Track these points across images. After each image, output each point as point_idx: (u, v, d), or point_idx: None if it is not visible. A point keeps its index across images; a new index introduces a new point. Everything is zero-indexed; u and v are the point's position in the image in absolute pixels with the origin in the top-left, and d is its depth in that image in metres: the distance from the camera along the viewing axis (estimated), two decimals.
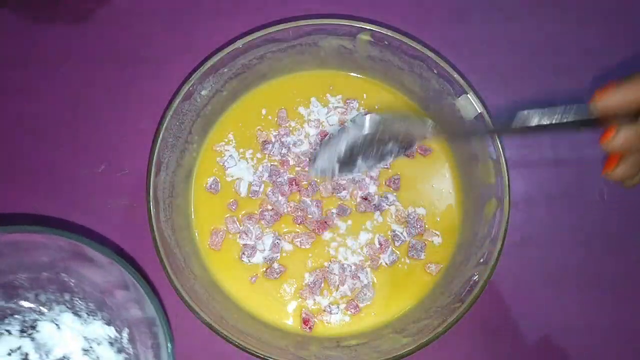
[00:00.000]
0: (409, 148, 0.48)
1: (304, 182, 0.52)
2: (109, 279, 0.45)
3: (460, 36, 0.57)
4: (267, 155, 0.53)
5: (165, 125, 0.48)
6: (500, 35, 0.58)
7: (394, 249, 0.51)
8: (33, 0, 0.57)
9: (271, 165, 0.53)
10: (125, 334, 0.47)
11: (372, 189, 0.52)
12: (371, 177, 0.52)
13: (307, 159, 0.52)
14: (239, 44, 0.49)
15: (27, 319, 0.48)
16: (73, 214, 0.53)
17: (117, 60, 0.56)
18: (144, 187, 0.47)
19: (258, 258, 0.51)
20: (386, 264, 0.51)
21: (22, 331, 0.48)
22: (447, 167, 0.53)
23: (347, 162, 0.47)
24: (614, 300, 0.52)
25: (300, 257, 0.51)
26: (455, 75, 0.48)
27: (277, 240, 0.51)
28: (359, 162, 0.47)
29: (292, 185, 0.52)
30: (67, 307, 0.48)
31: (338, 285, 0.50)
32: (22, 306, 0.47)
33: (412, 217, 0.51)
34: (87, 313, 0.48)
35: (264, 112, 0.54)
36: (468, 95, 0.48)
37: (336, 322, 0.50)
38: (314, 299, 0.50)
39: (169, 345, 0.42)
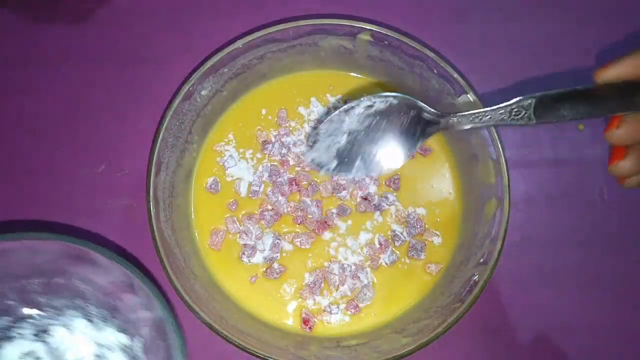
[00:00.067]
0: (421, 139, 0.44)
1: (304, 182, 0.52)
2: (118, 284, 0.45)
3: (460, 36, 0.57)
4: (267, 155, 0.53)
5: (165, 125, 0.48)
6: (500, 35, 0.58)
7: (394, 249, 0.51)
8: (33, 0, 0.57)
9: (271, 165, 0.53)
10: (137, 342, 0.47)
11: (372, 189, 0.52)
12: (371, 177, 0.52)
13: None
14: (239, 44, 0.49)
15: (40, 323, 0.48)
16: (73, 214, 0.53)
17: (117, 60, 0.56)
18: (144, 187, 0.47)
19: (258, 258, 0.51)
20: (386, 264, 0.51)
21: (35, 335, 0.48)
22: (447, 167, 0.53)
23: (346, 159, 0.44)
24: (614, 300, 0.52)
25: (300, 257, 0.51)
26: (455, 75, 0.48)
27: (277, 240, 0.51)
28: (358, 162, 0.45)
29: (292, 185, 0.52)
30: (80, 312, 0.48)
31: (338, 285, 0.50)
32: (35, 310, 0.47)
33: (412, 217, 0.51)
34: (99, 319, 0.48)
35: (264, 112, 0.54)
36: (468, 95, 0.48)
37: (336, 322, 0.50)
38: (314, 299, 0.50)
39: (181, 353, 0.42)
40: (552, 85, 0.56)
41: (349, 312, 0.50)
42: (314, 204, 0.51)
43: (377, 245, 0.51)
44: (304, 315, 0.50)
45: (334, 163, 0.45)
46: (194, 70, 0.49)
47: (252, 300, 0.50)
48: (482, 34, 0.58)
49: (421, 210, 0.52)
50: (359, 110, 0.44)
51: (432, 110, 0.45)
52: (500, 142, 0.47)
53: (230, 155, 0.53)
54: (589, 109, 0.40)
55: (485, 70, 0.56)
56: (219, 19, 0.57)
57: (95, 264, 0.44)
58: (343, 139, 0.44)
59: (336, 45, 0.52)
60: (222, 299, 0.49)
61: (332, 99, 0.54)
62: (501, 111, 0.42)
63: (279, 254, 0.51)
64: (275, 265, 0.50)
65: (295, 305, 0.50)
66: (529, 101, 0.41)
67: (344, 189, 0.52)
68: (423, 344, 0.44)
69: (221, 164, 0.53)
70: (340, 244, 0.51)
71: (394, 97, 0.44)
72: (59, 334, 0.47)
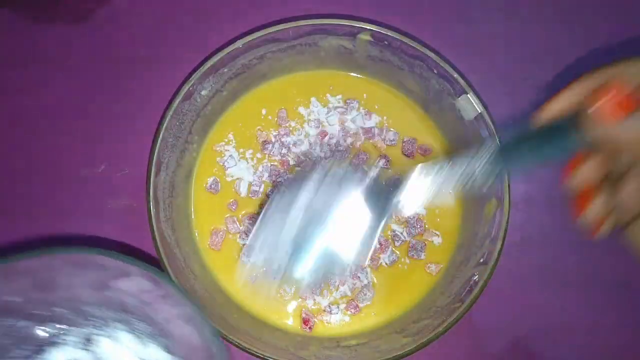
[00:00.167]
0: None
1: None
2: (173, 311, 0.45)
3: (460, 36, 0.57)
4: (267, 155, 0.53)
5: (165, 125, 0.48)
6: (500, 35, 0.58)
7: (394, 249, 0.51)
8: (33, 0, 0.57)
9: (271, 165, 0.53)
10: None
11: None
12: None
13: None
14: (239, 44, 0.49)
15: (87, 331, 0.48)
16: (73, 214, 0.53)
17: (117, 60, 0.56)
18: (144, 187, 0.47)
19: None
20: (386, 264, 0.51)
21: (81, 343, 0.48)
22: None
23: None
24: (614, 300, 0.52)
25: None
26: (455, 75, 0.48)
27: None
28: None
29: None
30: (125, 325, 0.47)
31: (338, 285, 0.50)
32: (83, 319, 0.47)
33: (412, 217, 0.51)
34: (144, 334, 0.47)
35: (264, 112, 0.54)
36: (468, 95, 0.48)
37: (336, 322, 0.50)
38: (314, 299, 0.50)
39: None
40: (552, 85, 0.57)
41: (349, 312, 0.50)
42: None
43: (377, 245, 0.51)
44: (304, 315, 0.50)
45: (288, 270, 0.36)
46: (194, 70, 0.49)
47: (252, 300, 0.50)
48: (482, 34, 0.58)
49: (421, 210, 0.52)
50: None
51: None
52: (501, 142, 0.47)
53: (230, 155, 0.53)
54: (551, 151, 0.38)
55: (485, 70, 0.56)
56: (219, 19, 0.57)
57: (153, 286, 0.44)
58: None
59: (336, 45, 0.52)
60: (222, 299, 0.49)
61: (332, 99, 0.54)
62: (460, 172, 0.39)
63: None
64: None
65: (295, 305, 0.50)
66: (491, 152, 0.39)
67: None
68: (423, 344, 0.44)
69: (221, 164, 0.53)
70: None
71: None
72: (104, 345, 0.47)
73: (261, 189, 0.52)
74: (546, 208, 0.54)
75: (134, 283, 0.44)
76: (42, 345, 0.47)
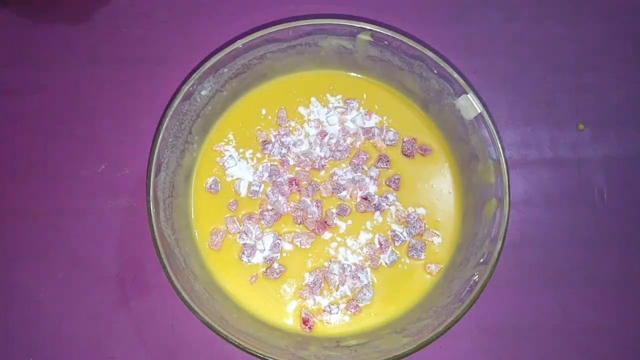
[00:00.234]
0: None
1: (304, 182, 0.52)
2: None
3: (460, 36, 0.57)
4: (267, 155, 0.53)
5: (165, 125, 0.48)
6: (500, 35, 0.58)
7: (394, 249, 0.51)
8: (33, 0, 0.57)
9: (271, 165, 0.53)
10: None
11: (372, 189, 0.52)
12: (371, 177, 0.52)
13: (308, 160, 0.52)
14: (239, 44, 0.49)
15: None
16: (73, 214, 0.53)
17: (116, 60, 0.56)
18: (144, 187, 0.47)
19: (258, 258, 0.51)
20: (386, 264, 0.51)
21: None
22: (447, 167, 0.53)
23: None
24: (614, 300, 0.52)
25: (300, 257, 0.51)
26: (455, 75, 0.48)
27: (277, 240, 0.51)
28: None
29: (292, 185, 0.52)
30: None
31: (338, 285, 0.50)
32: None
33: (412, 217, 0.51)
34: None
35: (264, 112, 0.54)
36: (468, 95, 0.48)
37: (336, 322, 0.50)
38: (314, 299, 0.50)
39: None
40: (552, 85, 0.57)
41: (349, 312, 0.50)
42: (314, 204, 0.51)
43: (377, 245, 0.51)
44: (303, 315, 0.50)
45: None
46: (194, 70, 0.49)
47: (252, 300, 0.50)
48: (482, 34, 0.58)
49: (421, 210, 0.52)
50: None
51: None
52: (501, 142, 0.47)
53: (230, 155, 0.53)
54: None
55: (485, 70, 0.56)
56: (219, 19, 0.57)
57: None
58: None
59: (336, 45, 0.52)
60: (222, 299, 0.49)
61: (332, 99, 0.54)
62: None
63: (279, 254, 0.51)
64: (275, 265, 0.50)
65: (295, 305, 0.50)
66: None
67: (344, 189, 0.52)
68: (423, 344, 0.44)
69: (221, 164, 0.53)
70: (340, 244, 0.51)
71: None
72: None
73: (261, 189, 0.52)
74: (546, 208, 0.54)
75: None
76: None
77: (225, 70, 0.50)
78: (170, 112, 0.48)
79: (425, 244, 0.51)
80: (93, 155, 0.54)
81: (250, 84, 0.54)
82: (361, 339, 0.49)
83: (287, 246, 0.51)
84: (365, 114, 0.54)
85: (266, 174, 0.52)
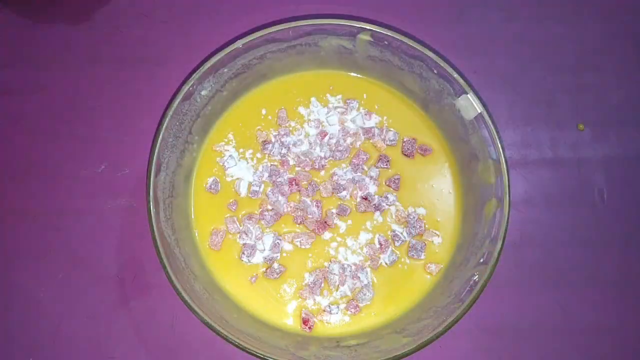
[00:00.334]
0: None
1: (304, 182, 0.52)
2: None
3: (460, 36, 0.57)
4: (267, 155, 0.53)
5: (165, 125, 0.48)
6: (500, 35, 0.58)
7: (394, 249, 0.51)
8: (33, 0, 0.57)
9: (271, 165, 0.53)
10: None
11: (372, 189, 0.52)
12: (371, 177, 0.52)
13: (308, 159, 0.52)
14: (239, 44, 0.49)
15: None
16: (73, 214, 0.53)
17: (116, 60, 0.56)
18: (144, 187, 0.47)
19: (258, 258, 0.51)
20: (386, 264, 0.51)
21: None
22: (447, 167, 0.53)
23: None
24: (614, 300, 0.52)
25: (300, 257, 0.51)
26: (455, 75, 0.48)
27: (277, 240, 0.51)
28: None
29: (292, 185, 0.52)
30: None
31: (338, 285, 0.50)
32: None
33: (412, 217, 0.51)
34: None
35: (264, 112, 0.54)
36: (468, 95, 0.48)
37: (336, 322, 0.50)
38: (314, 299, 0.50)
39: None
40: (552, 85, 0.57)
41: (349, 312, 0.50)
42: (314, 204, 0.51)
43: (377, 245, 0.51)
44: (303, 315, 0.50)
45: None
46: (194, 70, 0.49)
47: (252, 300, 0.50)
48: (482, 34, 0.58)
49: (421, 210, 0.52)
50: None
51: None
52: (501, 142, 0.47)
53: (230, 155, 0.53)
54: None
55: (485, 70, 0.56)
56: (219, 19, 0.57)
57: None
58: None
59: (336, 45, 0.52)
60: (222, 299, 0.49)
61: (332, 99, 0.54)
62: None
63: (279, 254, 0.51)
64: (275, 265, 0.50)
65: (295, 305, 0.50)
66: None
67: (344, 189, 0.52)
68: (423, 344, 0.44)
69: (221, 164, 0.53)
70: (340, 244, 0.51)
71: None
72: None
73: (261, 189, 0.52)
74: (546, 208, 0.54)
75: None
76: None
77: (225, 70, 0.50)
78: (170, 112, 0.48)
79: (425, 244, 0.51)
80: (93, 155, 0.54)
81: (250, 84, 0.54)
82: (361, 339, 0.49)
83: (287, 246, 0.51)
84: (365, 114, 0.54)
85: (266, 174, 0.52)
